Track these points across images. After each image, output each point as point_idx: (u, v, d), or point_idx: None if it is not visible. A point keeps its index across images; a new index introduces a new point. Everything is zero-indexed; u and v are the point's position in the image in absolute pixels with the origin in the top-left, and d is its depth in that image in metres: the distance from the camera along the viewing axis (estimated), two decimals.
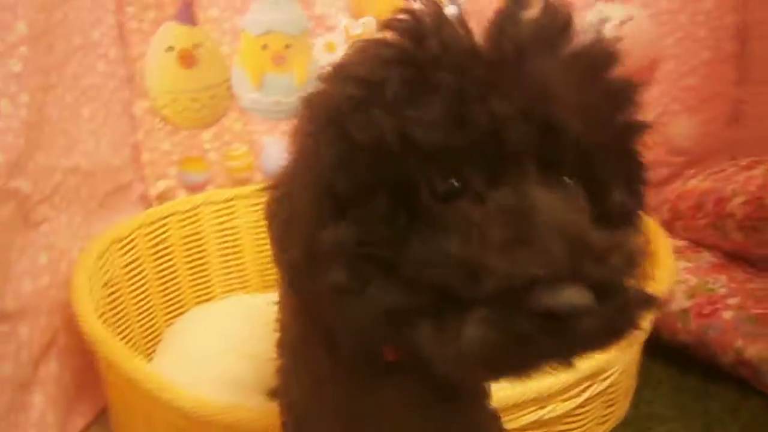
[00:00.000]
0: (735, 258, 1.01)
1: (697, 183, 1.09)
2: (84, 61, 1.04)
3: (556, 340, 0.30)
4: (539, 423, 0.75)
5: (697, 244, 1.07)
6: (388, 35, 0.36)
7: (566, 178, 0.36)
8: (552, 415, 0.74)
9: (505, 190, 0.33)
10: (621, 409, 0.85)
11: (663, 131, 1.24)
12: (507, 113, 0.33)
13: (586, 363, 0.72)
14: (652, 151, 1.28)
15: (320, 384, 0.50)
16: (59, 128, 0.94)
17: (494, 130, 0.33)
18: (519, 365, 0.34)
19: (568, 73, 0.35)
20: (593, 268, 0.30)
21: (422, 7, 0.36)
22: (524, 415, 0.74)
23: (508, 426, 0.73)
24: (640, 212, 0.42)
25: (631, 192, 0.40)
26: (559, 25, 0.36)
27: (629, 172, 0.41)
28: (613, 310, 0.31)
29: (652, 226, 0.92)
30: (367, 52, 0.37)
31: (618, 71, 0.37)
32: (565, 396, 0.74)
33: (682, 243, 1.08)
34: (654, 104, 1.22)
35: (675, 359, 0.98)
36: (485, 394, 0.55)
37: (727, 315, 0.91)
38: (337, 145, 0.35)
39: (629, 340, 0.69)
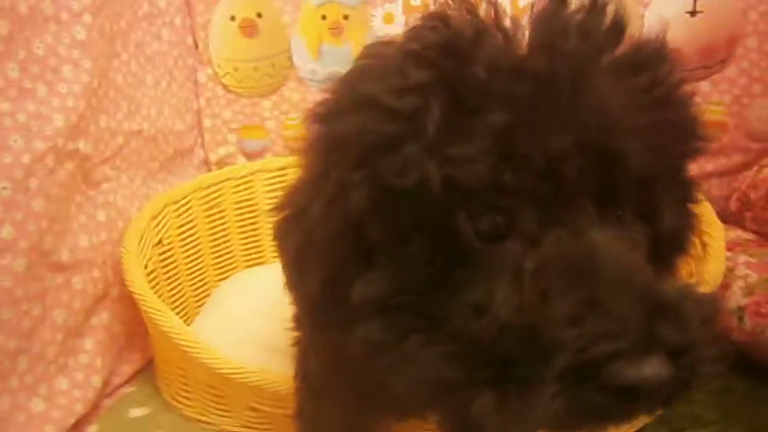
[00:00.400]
0: None
1: None
2: (150, 29, 1.09)
3: (631, 408, 0.29)
4: None
5: (766, 237, 0.99)
6: (419, 48, 0.31)
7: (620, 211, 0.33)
8: None
9: (560, 231, 0.30)
10: None
11: (741, 114, 1.15)
12: (565, 149, 0.29)
13: None
14: (727, 134, 1.19)
15: (337, 360, 0.50)
16: (123, 93, 1.00)
17: (550, 168, 0.29)
18: (583, 427, 0.31)
19: (626, 93, 0.31)
20: (670, 332, 0.28)
21: (458, 11, 0.32)
22: None
23: None
24: (690, 233, 0.40)
25: (680, 213, 0.37)
26: (610, 30, 0.32)
27: (680, 194, 0.37)
28: (687, 371, 0.29)
29: (707, 214, 0.86)
30: (393, 67, 0.31)
31: (683, 88, 0.34)
32: None
33: (748, 236, 1.01)
34: (732, 85, 1.14)
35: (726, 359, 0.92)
36: None
37: None
38: (368, 189, 0.31)
39: None
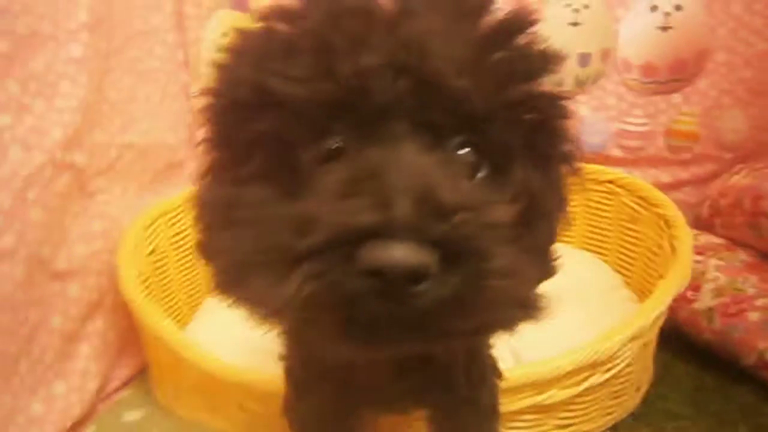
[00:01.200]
0: None
1: (739, 179, 1.06)
2: (143, 46, 1.12)
3: (394, 307, 0.28)
4: (537, 408, 0.77)
5: (735, 242, 1.04)
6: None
7: (459, 149, 0.34)
8: (550, 401, 0.76)
9: (373, 149, 0.31)
10: (630, 402, 0.85)
11: (712, 125, 1.20)
12: (373, 65, 0.31)
13: (585, 352, 0.74)
14: (699, 144, 1.25)
15: (310, 353, 0.54)
16: (117, 108, 1.03)
17: (361, 85, 0.31)
18: (357, 335, 0.29)
19: (464, 35, 0.33)
20: (434, 224, 0.27)
21: None
22: (522, 398, 0.76)
23: (506, 408, 0.76)
24: (559, 194, 0.40)
25: (541, 169, 0.37)
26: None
27: (542, 149, 0.37)
28: (463, 281, 0.28)
29: (677, 219, 0.90)
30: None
31: (534, 41, 0.35)
32: (564, 384, 0.76)
33: (719, 241, 1.06)
34: (703, 97, 1.19)
35: (698, 358, 0.97)
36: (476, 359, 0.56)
37: (754, 316, 0.89)
38: (210, 107, 0.37)
39: (629, 333, 0.71)
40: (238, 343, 0.94)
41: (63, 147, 0.85)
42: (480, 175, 0.34)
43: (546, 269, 0.40)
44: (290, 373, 0.62)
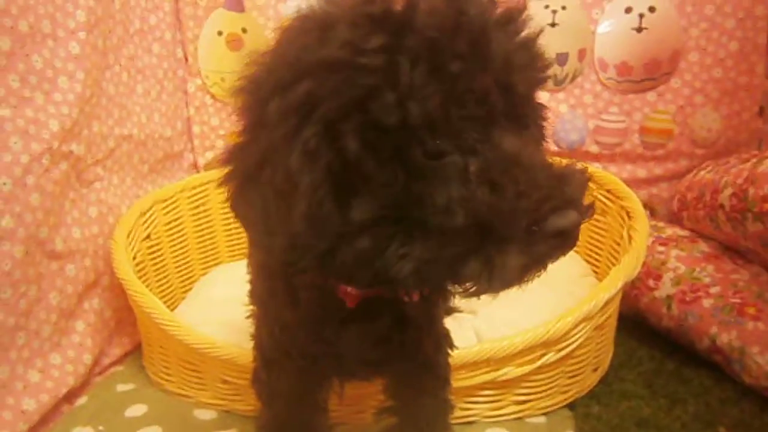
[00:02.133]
0: (728, 249, 1.01)
1: (705, 174, 1.10)
2: (141, 44, 1.19)
3: (561, 250, 0.41)
4: (495, 384, 0.83)
5: (698, 234, 1.08)
6: (365, 18, 0.39)
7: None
8: (506, 377, 0.82)
9: (490, 144, 0.41)
10: (586, 381, 0.90)
11: (685, 122, 1.24)
12: (489, 85, 0.41)
13: (538, 331, 0.79)
14: (673, 141, 1.30)
15: (285, 329, 0.59)
16: (115, 102, 1.10)
17: (481, 99, 0.41)
18: (530, 277, 0.42)
19: (516, 48, 0.43)
20: (573, 193, 0.41)
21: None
22: (479, 374, 0.81)
23: (465, 383, 0.82)
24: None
25: (538, 127, 0.49)
26: (506, 9, 0.44)
27: (539, 113, 0.49)
28: (584, 215, 0.42)
29: (636, 210, 0.95)
30: (344, 38, 0.39)
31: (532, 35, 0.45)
32: (519, 361, 0.81)
33: (684, 233, 1.10)
34: (676, 95, 1.23)
35: (660, 344, 1.01)
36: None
37: (707, 303, 0.93)
38: (364, 132, 0.39)
39: (579, 314, 0.77)
40: (223, 323, 1.00)
41: (61, 138, 0.92)
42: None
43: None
44: (259, 348, 0.68)
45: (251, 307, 0.70)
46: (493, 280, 0.40)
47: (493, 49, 0.41)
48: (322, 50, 0.39)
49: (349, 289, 0.50)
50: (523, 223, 0.39)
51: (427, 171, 0.40)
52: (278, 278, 0.55)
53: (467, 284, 0.42)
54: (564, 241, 0.40)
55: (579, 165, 0.45)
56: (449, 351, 0.67)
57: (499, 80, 0.41)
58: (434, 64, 0.38)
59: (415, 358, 0.62)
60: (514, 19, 0.43)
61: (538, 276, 0.42)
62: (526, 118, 0.45)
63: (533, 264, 0.40)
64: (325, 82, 0.39)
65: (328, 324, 0.55)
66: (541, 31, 0.45)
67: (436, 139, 0.40)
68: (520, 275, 0.41)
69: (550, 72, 0.46)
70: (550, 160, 0.43)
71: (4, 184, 0.82)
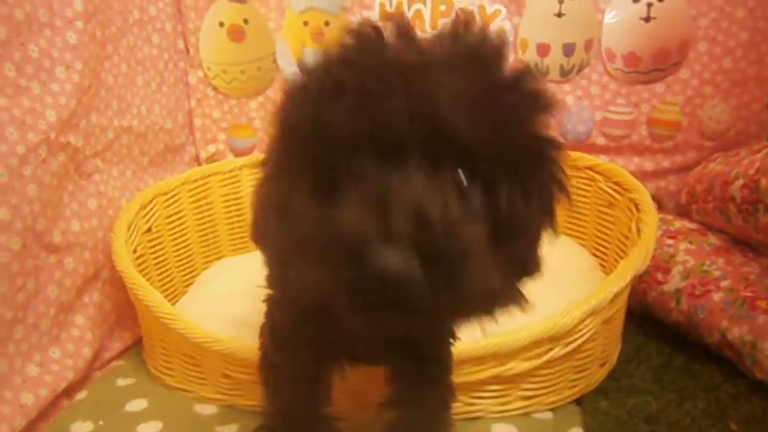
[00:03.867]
0: (738, 242, 0.99)
1: (714, 166, 1.08)
2: (140, 35, 1.18)
3: (391, 303, 0.35)
4: (501, 379, 0.81)
5: (708, 227, 1.06)
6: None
7: (459, 175, 0.41)
8: (512, 372, 0.80)
9: (389, 173, 0.39)
10: (594, 376, 0.88)
11: (694, 114, 1.22)
12: (396, 109, 0.39)
13: (545, 325, 0.78)
14: (682, 133, 1.28)
15: (299, 314, 0.58)
16: (114, 93, 1.09)
17: (386, 124, 0.39)
18: (369, 316, 0.38)
19: (469, 86, 0.40)
20: (417, 233, 0.35)
21: (364, 25, 0.43)
22: (485, 369, 0.80)
23: (471, 378, 0.80)
24: (544, 222, 0.47)
25: (526, 195, 0.43)
26: (466, 50, 0.42)
27: (528, 179, 0.43)
28: (441, 282, 0.35)
29: (645, 203, 0.93)
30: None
31: (532, 90, 0.42)
32: (526, 355, 0.80)
33: (692, 226, 1.08)
34: (685, 86, 1.21)
35: (669, 338, 1.00)
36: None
37: (717, 297, 0.91)
38: (277, 131, 0.45)
39: (587, 308, 0.75)
40: (225, 318, 0.99)
41: (58, 128, 0.90)
42: (471, 196, 0.42)
43: (528, 270, 0.48)
44: (273, 332, 0.67)
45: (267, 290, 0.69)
46: (296, 287, 0.42)
47: (418, 81, 0.39)
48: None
49: None
50: (332, 236, 0.37)
51: (346, 188, 0.41)
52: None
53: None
54: (392, 291, 0.35)
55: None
56: (452, 341, 0.66)
57: (417, 112, 0.39)
58: (347, 84, 0.40)
59: (421, 348, 0.62)
60: (484, 63, 0.41)
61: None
62: (452, 163, 0.41)
63: (340, 290, 0.37)
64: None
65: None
66: (523, 79, 0.42)
67: (347, 158, 0.41)
68: (326, 296, 0.38)
69: (541, 128, 0.42)
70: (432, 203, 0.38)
71: (1, 175, 0.80)
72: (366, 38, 0.42)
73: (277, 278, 0.65)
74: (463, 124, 0.39)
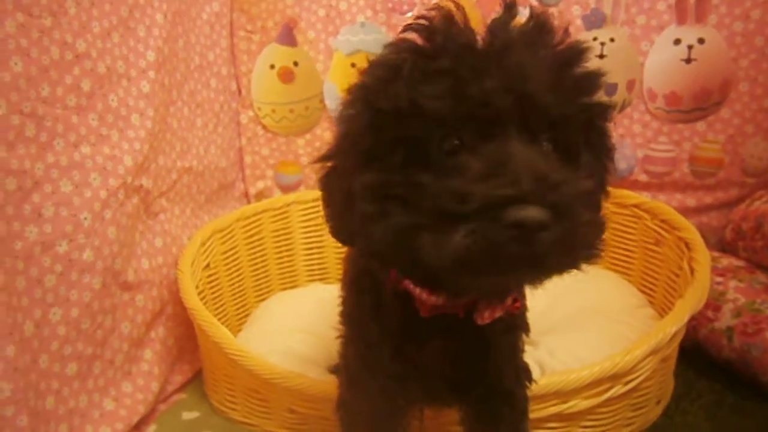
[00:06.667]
0: None
1: (760, 204, 1.10)
2: (200, 79, 1.24)
3: (523, 248, 0.40)
4: (561, 416, 0.83)
5: (756, 265, 1.08)
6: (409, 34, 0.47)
7: (544, 143, 0.46)
8: (573, 410, 0.82)
9: (492, 144, 0.44)
10: (650, 414, 0.90)
11: (736, 152, 1.24)
12: (493, 88, 0.43)
13: (606, 364, 0.80)
14: (723, 170, 1.30)
15: (371, 347, 0.62)
16: (177, 136, 1.14)
17: (484, 102, 0.43)
18: (496, 270, 0.42)
19: (544, 63, 0.45)
20: (549, 193, 0.40)
21: (436, 13, 0.48)
22: (547, 407, 0.82)
23: (532, 415, 0.82)
24: (607, 175, 0.53)
25: (597, 159, 0.50)
26: (538, 29, 0.47)
27: (597, 144, 0.50)
28: (566, 229, 0.40)
29: (697, 243, 0.96)
30: (391, 47, 0.48)
31: (588, 65, 0.47)
32: (587, 393, 0.82)
33: (740, 263, 1.10)
34: (726, 125, 1.24)
35: (720, 375, 1.01)
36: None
37: None
38: (365, 113, 0.47)
39: (647, 348, 0.77)
40: (283, 352, 1.03)
41: (133, 172, 0.95)
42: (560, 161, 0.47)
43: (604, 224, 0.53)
44: (346, 369, 0.70)
45: (340, 327, 0.71)
46: (442, 254, 0.41)
47: (507, 60, 0.44)
48: (377, 59, 0.49)
49: (424, 295, 0.53)
50: (476, 203, 0.40)
51: (439, 164, 0.44)
52: (369, 291, 0.60)
53: (425, 258, 0.43)
54: (527, 239, 0.39)
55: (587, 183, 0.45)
56: (528, 384, 0.68)
57: (510, 87, 0.43)
58: (441, 65, 0.44)
59: (495, 386, 0.64)
60: (552, 43, 0.46)
61: (525, 277, 0.44)
62: (551, 132, 0.46)
63: (484, 249, 0.40)
64: (368, 79, 0.48)
65: (409, 339, 0.59)
66: (582, 52, 0.47)
67: (448, 135, 0.44)
68: (471, 256, 0.40)
69: (599, 99, 0.48)
70: (550, 170, 0.43)
71: (85, 218, 0.85)
72: (447, 22, 0.46)
73: (348, 316, 0.68)
74: (550, 98, 0.44)
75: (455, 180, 0.42)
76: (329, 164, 0.53)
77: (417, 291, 0.53)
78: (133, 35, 0.98)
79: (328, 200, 0.54)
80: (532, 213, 0.39)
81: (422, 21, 0.47)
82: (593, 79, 0.47)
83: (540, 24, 0.47)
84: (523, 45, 0.45)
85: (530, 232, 0.39)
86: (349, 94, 0.50)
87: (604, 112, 0.49)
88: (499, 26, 0.46)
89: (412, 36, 0.47)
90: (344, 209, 0.50)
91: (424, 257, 0.43)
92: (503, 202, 0.39)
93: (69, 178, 0.84)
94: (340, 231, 0.53)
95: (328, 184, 0.53)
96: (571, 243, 0.42)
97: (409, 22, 0.48)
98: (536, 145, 0.45)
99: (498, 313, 0.54)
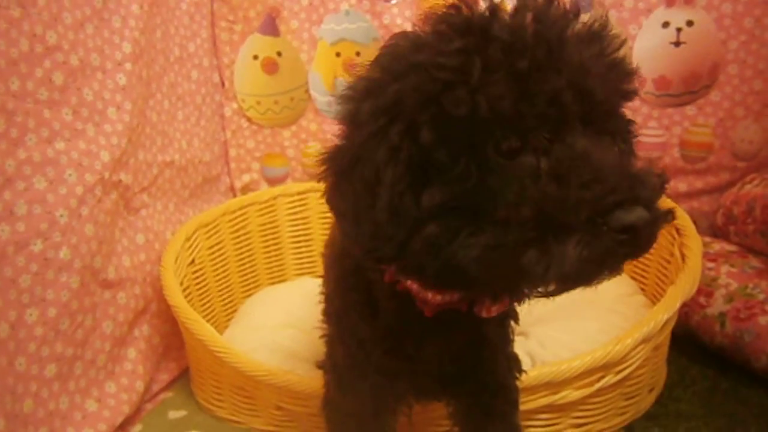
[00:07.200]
0: None
1: (751, 188, 1.09)
2: (181, 71, 1.21)
3: (630, 249, 0.40)
4: (553, 407, 0.82)
5: (747, 249, 1.07)
6: (448, 27, 0.43)
7: (606, 136, 0.46)
8: (565, 401, 0.81)
9: (563, 144, 0.42)
10: (643, 403, 0.89)
11: (726, 135, 1.23)
12: (561, 86, 0.41)
13: (597, 354, 0.79)
14: (714, 154, 1.29)
15: (362, 345, 0.60)
16: (158, 129, 1.11)
17: (553, 100, 0.41)
18: (599, 274, 0.42)
19: (593, 56, 0.44)
20: (644, 192, 0.40)
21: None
22: (538, 398, 0.81)
23: (523, 407, 0.81)
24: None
25: (625, 141, 0.50)
26: (574, 16, 0.45)
27: (625, 127, 0.50)
28: (656, 220, 0.41)
29: (688, 228, 0.94)
30: (430, 45, 0.43)
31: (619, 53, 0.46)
32: (578, 384, 0.80)
33: (732, 248, 1.09)
34: (716, 108, 1.22)
35: (712, 361, 1.00)
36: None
37: (763, 320, 0.92)
38: (436, 124, 0.42)
39: (639, 336, 0.76)
40: (271, 349, 1.01)
41: (111, 168, 0.93)
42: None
43: None
44: (335, 369, 0.68)
45: (324, 327, 0.69)
46: (551, 270, 0.40)
47: (567, 55, 0.42)
48: (411, 57, 0.44)
49: (429, 295, 0.51)
50: (584, 213, 0.39)
51: (499, 167, 0.42)
52: (358, 290, 0.57)
53: (530, 276, 0.41)
54: (633, 239, 0.39)
55: (657, 170, 0.45)
56: (518, 375, 0.67)
57: (574, 84, 0.42)
58: (506, 64, 0.41)
59: (489, 379, 0.64)
60: (593, 31, 0.45)
61: (607, 277, 0.42)
62: (604, 124, 0.45)
63: (595, 258, 0.39)
64: (410, 82, 0.43)
65: (407, 337, 0.57)
66: (623, 42, 0.46)
67: (507, 136, 0.42)
68: (581, 268, 0.39)
69: (635, 85, 0.47)
70: (629, 165, 0.43)
71: (61, 216, 0.83)
72: (492, 14, 0.43)
73: (334, 315, 0.66)
74: (604, 91, 0.43)
75: (548, 186, 0.41)
76: (337, 176, 0.47)
77: (421, 292, 0.51)
78: (108, 26, 0.96)
79: (352, 218, 0.47)
80: (640, 214, 0.39)
81: (460, 12, 0.43)
82: (627, 65, 0.46)
83: (575, 13, 0.45)
84: (575, 38, 0.43)
85: (637, 232, 0.39)
86: (369, 99, 0.44)
87: (632, 96, 0.48)
88: (545, 15, 0.44)
89: (445, 31, 0.43)
90: (387, 225, 0.44)
91: (529, 275, 0.41)
92: (612, 209, 0.39)
93: (43, 175, 0.82)
94: (378, 249, 0.46)
95: (345, 198, 0.47)
96: (655, 234, 0.42)
97: (442, 12, 0.44)
98: (602, 139, 0.44)
99: (505, 306, 0.53)
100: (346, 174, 0.46)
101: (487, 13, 0.43)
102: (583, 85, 0.42)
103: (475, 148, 0.42)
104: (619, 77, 0.45)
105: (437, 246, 0.43)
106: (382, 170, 0.43)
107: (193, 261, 1.12)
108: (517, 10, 0.44)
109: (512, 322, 0.64)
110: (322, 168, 0.48)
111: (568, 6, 0.45)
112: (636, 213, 0.39)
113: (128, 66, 0.98)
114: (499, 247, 0.41)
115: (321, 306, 0.70)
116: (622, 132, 0.48)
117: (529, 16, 0.43)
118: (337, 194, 0.48)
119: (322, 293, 0.71)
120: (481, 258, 0.42)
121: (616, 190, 0.39)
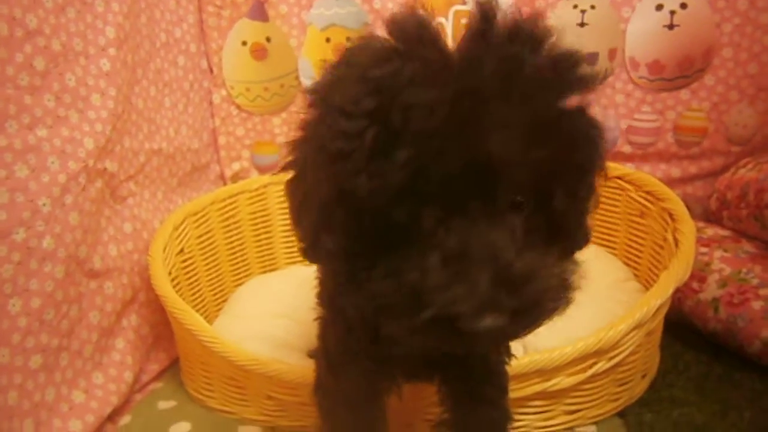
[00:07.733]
0: None
1: (745, 172, 1.08)
2: (167, 57, 1.19)
3: (471, 340, 0.40)
4: (545, 394, 0.81)
5: (741, 234, 1.06)
6: (367, 80, 0.40)
7: (510, 215, 0.43)
8: (557, 387, 0.80)
9: (458, 221, 0.41)
10: (636, 389, 0.88)
11: (720, 120, 1.22)
12: (456, 169, 0.39)
13: (589, 341, 0.78)
14: (708, 139, 1.28)
15: (351, 330, 0.59)
16: (144, 116, 1.09)
17: (446, 182, 0.40)
18: (452, 349, 0.45)
19: (517, 113, 0.39)
20: (510, 299, 0.39)
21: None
22: (530, 385, 0.80)
23: (515, 394, 0.80)
24: (585, 214, 0.49)
25: (572, 197, 0.46)
26: (500, 85, 0.39)
27: (572, 181, 0.46)
28: (523, 325, 0.41)
29: (681, 213, 0.93)
30: (350, 92, 0.40)
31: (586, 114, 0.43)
32: (570, 370, 0.80)
33: (725, 233, 1.08)
34: (710, 92, 1.21)
35: (706, 347, 0.99)
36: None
37: (757, 305, 0.91)
38: (331, 186, 0.42)
39: (632, 322, 0.75)
40: (262, 338, 1.00)
41: (95, 155, 0.91)
42: (530, 217, 0.44)
43: (579, 245, 0.50)
44: (326, 353, 0.67)
45: (318, 310, 0.68)
46: (399, 336, 0.44)
47: (488, 119, 0.39)
48: (329, 98, 0.42)
49: None
50: (428, 313, 0.39)
51: (397, 235, 0.42)
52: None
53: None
54: (479, 340, 0.40)
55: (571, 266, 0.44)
56: (507, 360, 0.66)
57: (474, 164, 0.39)
58: (405, 134, 0.39)
59: (478, 364, 0.63)
60: (543, 78, 0.40)
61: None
62: (510, 199, 0.43)
63: (439, 341, 0.41)
64: (318, 136, 0.43)
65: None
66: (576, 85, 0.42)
67: (406, 207, 0.41)
68: (426, 343, 0.43)
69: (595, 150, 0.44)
70: (516, 260, 0.40)
71: (44, 204, 0.81)
72: (395, 73, 0.39)
73: (327, 298, 0.65)
74: (515, 169, 0.40)
75: (426, 259, 0.41)
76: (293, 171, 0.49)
77: None
78: (91, 10, 0.93)
79: (297, 217, 0.49)
80: (487, 323, 0.38)
81: (391, 56, 0.40)
82: (586, 126, 0.43)
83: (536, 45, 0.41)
84: (495, 90, 0.39)
85: (483, 336, 0.39)
86: (317, 105, 0.44)
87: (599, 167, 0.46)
88: (468, 57, 0.40)
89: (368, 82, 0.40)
90: (309, 242, 0.47)
91: (386, 331, 0.44)
92: (458, 315, 0.39)
93: (24, 162, 0.80)
94: (308, 254, 0.49)
95: (295, 193, 0.49)
96: (531, 322, 0.41)
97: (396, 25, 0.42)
98: (503, 220, 0.42)
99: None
100: (300, 174, 0.48)
101: (410, 70, 0.39)
102: (485, 165, 0.39)
103: (375, 210, 0.42)
104: (567, 142, 0.42)
105: (339, 279, 0.47)
106: (308, 193, 0.46)
107: (182, 250, 1.10)
108: (465, 40, 0.41)
109: None
110: (288, 156, 0.49)
111: (535, 31, 0.41)
112: (483, 322, 0.38)
113: (112, 51, 0.96)
114: (367, 303, 0.44)
115: (313, 293, 0.70)
116: (561, 190, 0.45)
117: (467, 54, 0.40)
118: (291, 189, 0.49)
119: (317, 277, 0.70)
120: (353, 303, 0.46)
121: (471, 295, 0.38)
